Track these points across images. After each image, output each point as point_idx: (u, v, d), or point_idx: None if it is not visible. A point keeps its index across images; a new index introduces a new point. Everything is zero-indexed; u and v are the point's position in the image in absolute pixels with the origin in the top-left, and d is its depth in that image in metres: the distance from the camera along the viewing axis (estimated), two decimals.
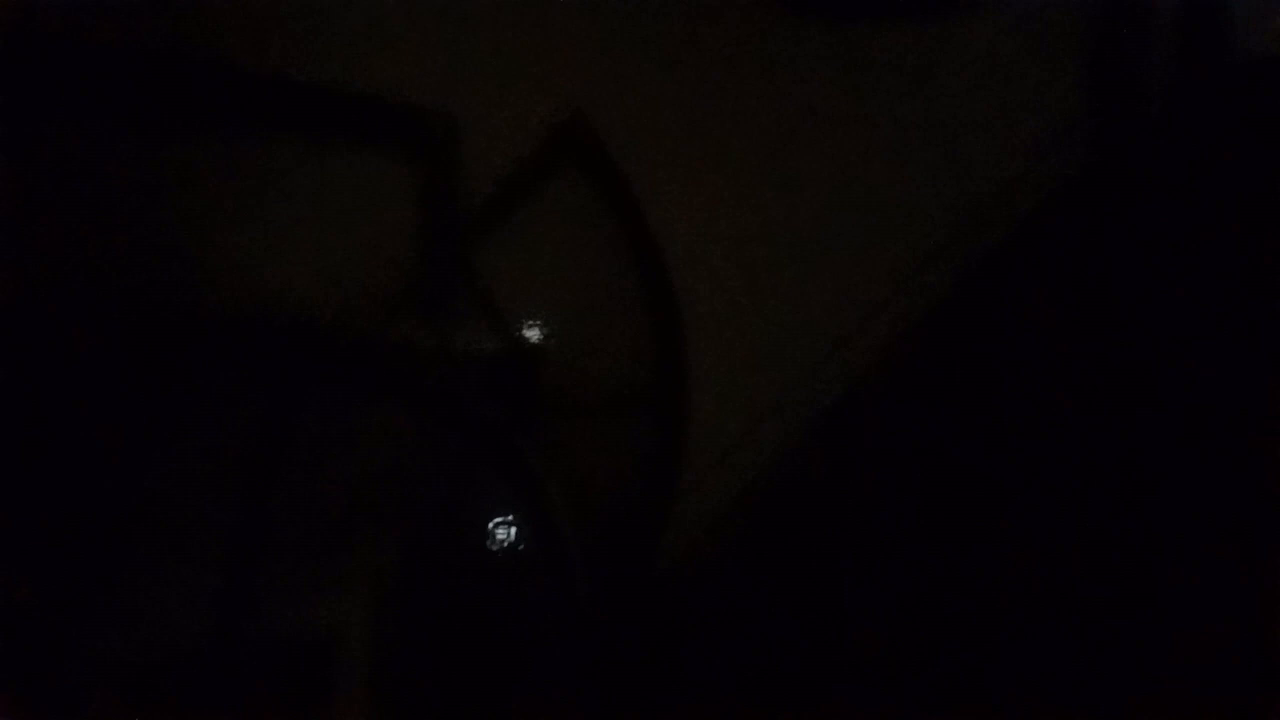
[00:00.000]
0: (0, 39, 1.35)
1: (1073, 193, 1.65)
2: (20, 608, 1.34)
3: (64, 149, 1.40)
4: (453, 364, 1.54)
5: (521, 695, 1.44)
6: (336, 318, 1.49)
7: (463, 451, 1.52)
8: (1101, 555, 1.41)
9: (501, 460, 1.53)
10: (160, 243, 1.43)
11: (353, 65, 1.51)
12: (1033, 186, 1.71)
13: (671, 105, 1.63)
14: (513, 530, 1.52)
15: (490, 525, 1.51)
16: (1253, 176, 1.46)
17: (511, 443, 1.52)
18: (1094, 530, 1.42)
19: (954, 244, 1.69)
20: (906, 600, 1.47)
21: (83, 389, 1.37)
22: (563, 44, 1.59)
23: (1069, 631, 1.37)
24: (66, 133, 1.40)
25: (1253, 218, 1.45)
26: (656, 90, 1.62)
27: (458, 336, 1.55)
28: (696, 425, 1.60)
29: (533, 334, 1.59)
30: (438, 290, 1.54)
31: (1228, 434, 1.42)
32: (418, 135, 1.53)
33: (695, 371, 1.61)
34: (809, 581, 1.54)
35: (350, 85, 1.51)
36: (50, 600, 1.34)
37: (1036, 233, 1.63)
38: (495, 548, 1.50)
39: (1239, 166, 1.47)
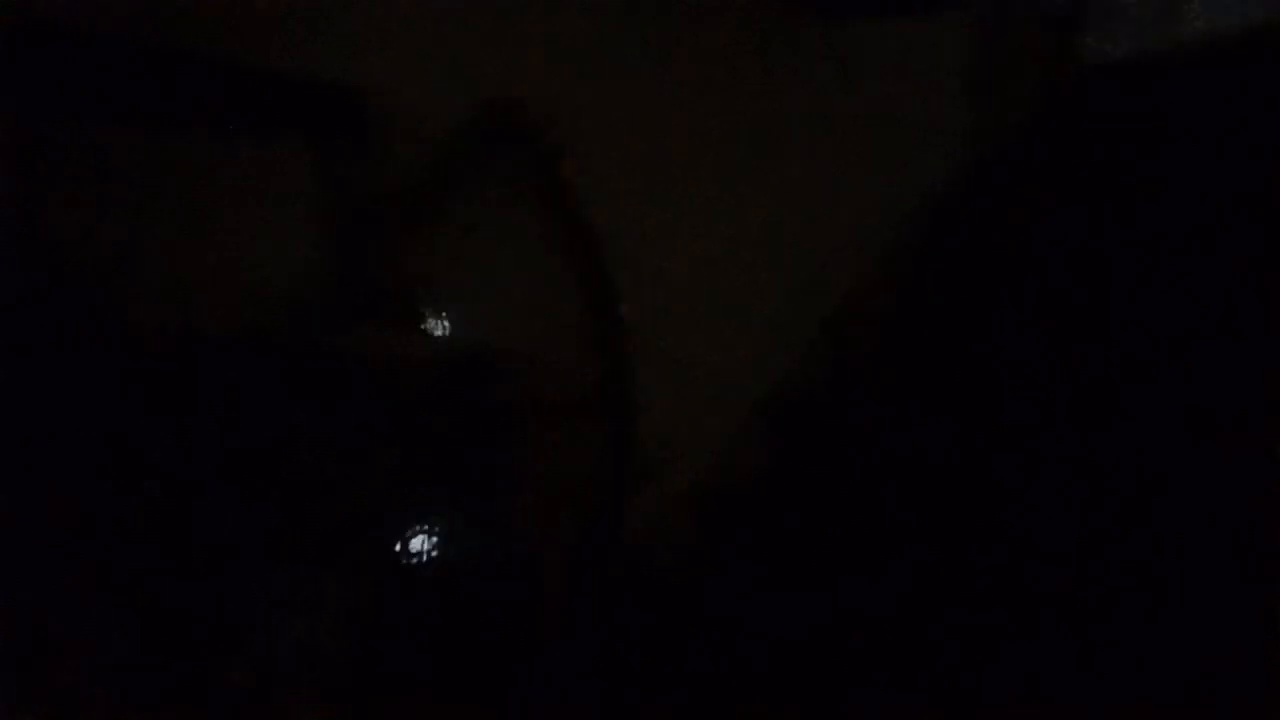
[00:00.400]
0: None
1: (1039, 188, 1.69)
2: (17, 610, 1.33)
3: None
4: (392, 370, 1.46)
5: (491, 699, 1.43)
6: (262, 327, 1.39)
7: (413, 461, 1.47)
8: (1050, 556, 1.43)
9: (455, 468, 1.49)
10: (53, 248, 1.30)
11: (270, 41, 1.35)
12: (1004, 181, 1.73)
13: (624, 97, 1.58)
14: (472, 538, 1.49)
15: (449, 534, 1.48)
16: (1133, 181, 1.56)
17: (463, 449, 1.48)
18: (1035, 531, 1.43)
19: (914, 243, 1.70)
20: (871, 597, 1.48)
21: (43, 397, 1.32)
22: (511, 25, 1.50)
23: (1039, 635, 1.38)
24: None
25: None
26: (608, 81, 1.57)
27: (395, 341, 1.47)
28: (652, 426, 1.58)
29: (477, 336, 1.51)
30: (370, 293, 1.45)
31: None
32: (345, 121, 1.41)
33: (647, 371, 1.59)
34: (770, 579, 1.54)
35: (270, 64, 1.36)
36: (44, 603, 1.34)
37: (994, 228, 1.66)
38: (455, 556, 1.48)
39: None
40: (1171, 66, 1.63)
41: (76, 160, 1.31)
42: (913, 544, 1.48)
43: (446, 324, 1.49)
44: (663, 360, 1.59)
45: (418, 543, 1.45)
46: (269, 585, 1.39)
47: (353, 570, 1.42)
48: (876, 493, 1.55)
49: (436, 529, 1.47)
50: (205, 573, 1.36)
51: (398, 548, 1.44)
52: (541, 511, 1.53)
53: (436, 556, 1.46)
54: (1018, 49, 1.73)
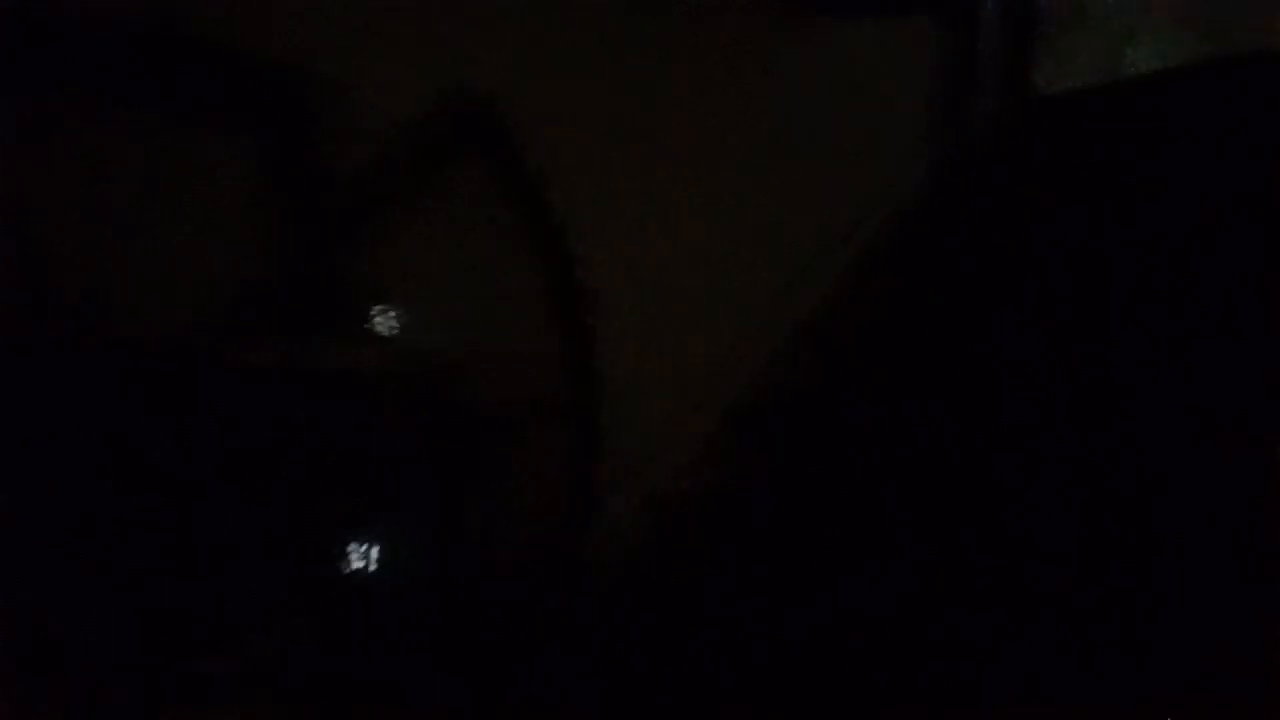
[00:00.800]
0: None
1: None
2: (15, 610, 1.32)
3: None
4: (349, 378, 1.34)
5: (460, 707, 1.41)
6: (203, 335, 1.24)
7: (375, 472, 1.38)
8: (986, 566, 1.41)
9: (418, 479, 1.42)
10: None
11: (210, 14, 1.16)
12: (977, 189, 1.74)
13: (597, 91, 1.53)
14: (438, 548, 1.44)
15: (412, 546, 1.42)
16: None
17: (426, 459, 1.41)
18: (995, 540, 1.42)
19: (890, 248, 1.69)
20: (847, 599, 1.46)
21: None
22: (480, 10, 1.39)
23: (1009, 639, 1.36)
24: None
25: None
26: (580, 74, 1.51)
27: (350, 347, 1.35)
28: (622, 431, 1.55)
29: (439, 340, 1.42)
30: (322, 295, 1.29)
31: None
32: (295, 107, 1.24)
33: (617, 376, 1.55)
34: (741, 584, 1.52)
35: (210, 40, 1.17)
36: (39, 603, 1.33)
37: (977, 232, 1.68)
38: (420, 568, 1.42)
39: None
40: (1114, 101, 1.71)
41: None
42: (888, 546, 1.47)
43: (406, 328, 1.39)
44: (633, 364, 1.56)
45: (382, 555, 1.40)
46: (219, 601, 1.32)
47: (317, 584, 1.38)
48: (848, 495, 1.53)
49: (399, 542, 1.41)
50: (160, 591, 1.28)
51: (364, 560, 1.39)
52: (509, 520, 1.49)
53: (401, 569, 1.41)
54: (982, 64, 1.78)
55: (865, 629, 1.41)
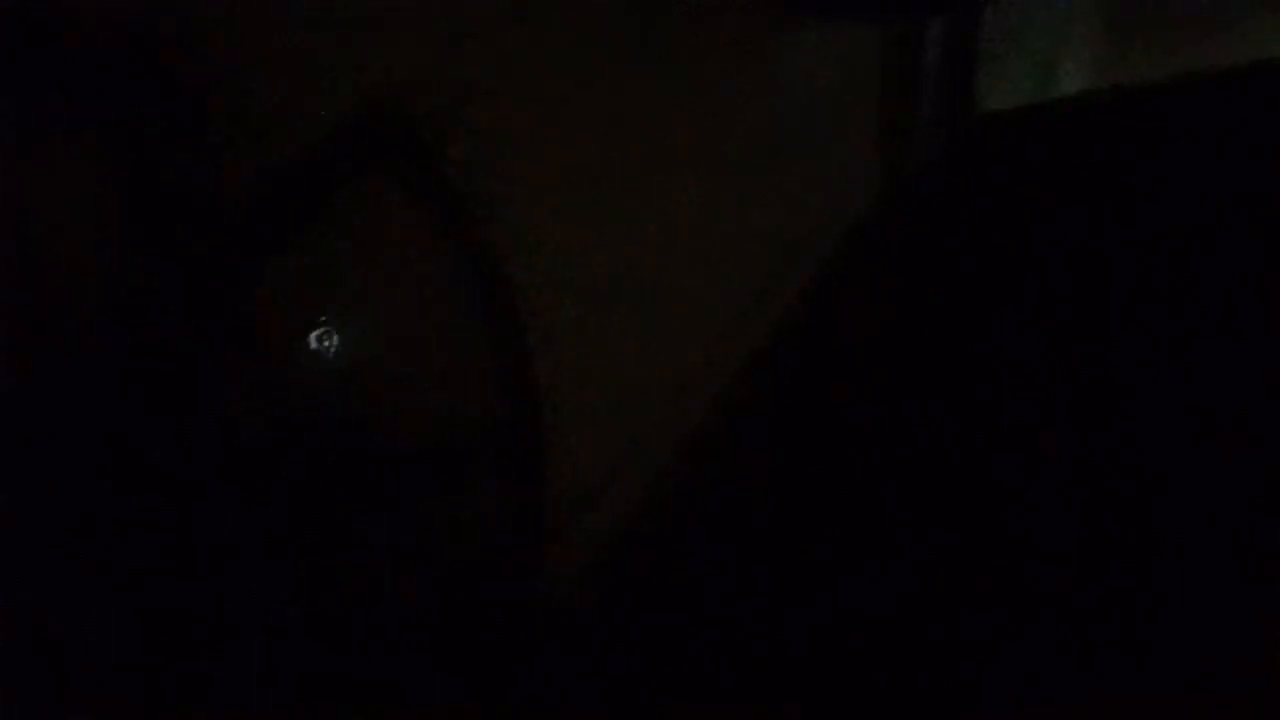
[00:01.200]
0: None
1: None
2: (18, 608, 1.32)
3: None
4: (258, 420, 1.20)
5: (452, 706, 1.39)
6: (74, 364, 1.01)
7: (294, 526, 1.26)
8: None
9: (333, 531, 1.31)
10: None
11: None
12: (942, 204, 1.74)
13: (544, 89, 1.40)
14: (373, 585, 1.36)
15: (346, 583, 1.34)
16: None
17: (342, 508, 1.28)
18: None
19: (861, 264, 1.68)
20: (804, 633, 1.47)
21: None
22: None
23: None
24: None
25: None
26: (526, 70, 1.38)
27: (252, 382, 1.11)
28: (568, 466, 1.47)
29: (355, 372, 1.25)
30: (217, 323, 1.09)
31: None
32: (178, 100, 1.03)
33: (561, 406, 1.47)
34: (695, 625, 1.51)
35: (82, 26, 0.98)
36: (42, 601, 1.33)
37: (954, 248, 1.69)
38: (356, 605, 1.35)
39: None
40: (1052, 121, 1.74)
41: None
42: (849, 576, 1.47)
43: (317, 359, 1.21)
44: (579, 392, 1.48)
45: (309, 611, 1.30)
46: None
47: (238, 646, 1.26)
48: (807, 527, 1.53)
49: (324, 595, 1.32)
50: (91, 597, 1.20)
51: (289, 620, 1.29)
52: (445, 570, 1.41)
53: (327, 625, 1.32)
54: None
55: (861, 630, 1.42)
